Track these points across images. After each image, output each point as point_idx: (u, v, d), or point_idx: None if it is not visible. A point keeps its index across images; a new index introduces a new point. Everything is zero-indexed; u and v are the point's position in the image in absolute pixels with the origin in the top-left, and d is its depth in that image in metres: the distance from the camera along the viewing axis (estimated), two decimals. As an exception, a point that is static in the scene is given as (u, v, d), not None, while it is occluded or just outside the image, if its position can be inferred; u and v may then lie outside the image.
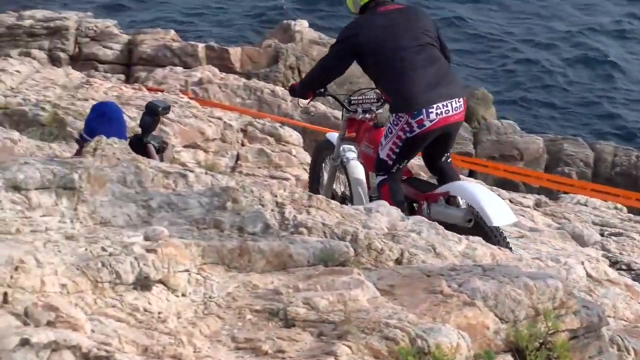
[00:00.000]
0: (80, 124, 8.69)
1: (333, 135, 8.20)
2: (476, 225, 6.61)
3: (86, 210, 3.97)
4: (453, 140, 7.43)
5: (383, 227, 4.82)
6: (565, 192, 12.89)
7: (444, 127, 6.88)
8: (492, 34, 33.36)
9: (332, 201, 4.91)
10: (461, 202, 6.89)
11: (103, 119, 5.87)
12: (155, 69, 13.30)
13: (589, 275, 6.66)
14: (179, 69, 13.20)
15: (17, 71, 10.05)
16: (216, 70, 13.45)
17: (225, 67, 14.74)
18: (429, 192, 7.08)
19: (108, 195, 4.12)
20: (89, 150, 4.72)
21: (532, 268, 5.45)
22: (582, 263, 6.86)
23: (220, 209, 4.30)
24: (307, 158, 10.20)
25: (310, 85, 7.40)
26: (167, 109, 6.37)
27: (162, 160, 5.87)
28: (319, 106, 12.10)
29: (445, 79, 6.93)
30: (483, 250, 5.01)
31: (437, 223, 5.34)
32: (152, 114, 6.21)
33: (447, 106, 6.79)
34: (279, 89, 12.54)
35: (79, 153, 5.68)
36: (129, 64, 13.93)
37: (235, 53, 15.49)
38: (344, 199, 7.82)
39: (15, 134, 7.85)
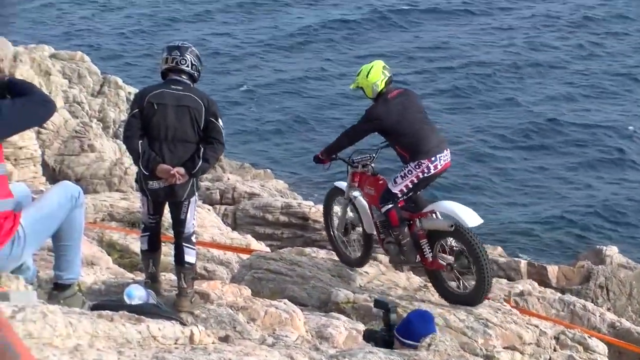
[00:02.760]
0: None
1: (341, 184, 10.48)
2: (456, 229, 8.99)
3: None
4: None
5: None
6: None
7: (443, 170, 9.35)
8: None
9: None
10: (439, 216, 9.33)
11: (423, 321, 6.03)
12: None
13: None
14: (504, 280, 13.32)
15: (366, 272, 10.50)
16: (535, 284, 13.44)
17: (543, 281, 14.68)
18: (417, 212, 9.41)
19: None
20: (424, 345, 4.84)
21: None
22: None
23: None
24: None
25: (334, 151, 9.72)
26: (394, 307, 6.45)
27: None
28: (624, 322, 11.71)
29: (440, 138, 9.48)
30: None
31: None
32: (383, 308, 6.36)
33: (446, 156, 9.30)
34: (590, 305, 12.29)
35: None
36: (460, 273, 14.19)
37: (552, 271, 15.40)
38: (353, 226, 10.47)
39: (360, 326, 8.17)
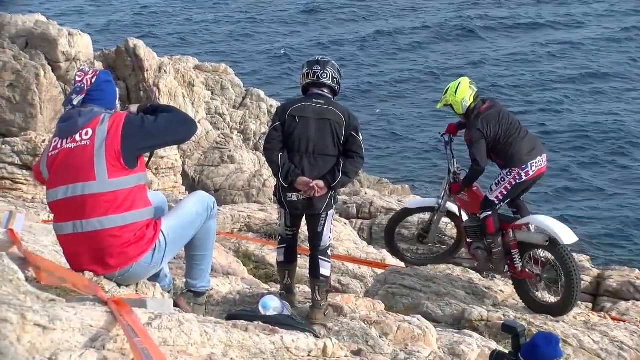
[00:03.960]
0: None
1: (413, 203, 11.50)
2: (551, 244, 9.31)
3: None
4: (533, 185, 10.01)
5: None
6: None
7: (538, 175, 9.65)
8: None
9: None
10: (533, 229, 9.56)
11: (549, 345, 5.92)
12: (620, 301, 13.04)
13: None
14: (640, 303, 12.86)
15: (501, 290, 10.40)
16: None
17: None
18: (512, 223, 9.76)
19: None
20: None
21: None
22: None
23: None
24: None
25: (473, 182, 9.95)
26: (523, 331, 6.26)
27: None
28: None
29: (536, 144, 9.71)
30: None
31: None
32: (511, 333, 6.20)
33: (539, 161, 9.61)
34: None
35: None
36: (596, 294, 13.75)
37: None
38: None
39: (493, 344, 8.06)
